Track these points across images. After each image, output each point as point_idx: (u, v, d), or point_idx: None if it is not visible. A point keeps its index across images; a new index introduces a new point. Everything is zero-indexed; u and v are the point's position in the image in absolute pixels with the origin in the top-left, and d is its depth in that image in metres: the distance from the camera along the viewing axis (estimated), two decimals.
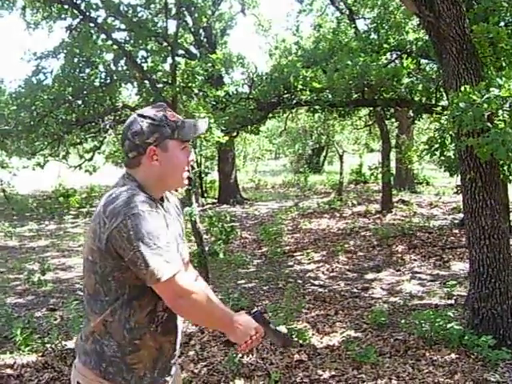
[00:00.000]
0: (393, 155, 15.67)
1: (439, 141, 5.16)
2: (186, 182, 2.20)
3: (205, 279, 6.59)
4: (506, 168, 5.41)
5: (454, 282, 7.03)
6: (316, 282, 7.89)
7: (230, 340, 2.22)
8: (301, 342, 5.21)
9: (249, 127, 10.37)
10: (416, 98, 9.14)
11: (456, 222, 11.65)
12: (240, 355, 4.81)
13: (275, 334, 2.33)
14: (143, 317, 2.05)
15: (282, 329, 2.42)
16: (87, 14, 9.18)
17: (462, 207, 5.82)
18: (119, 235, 1.91)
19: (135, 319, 2.04)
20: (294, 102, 9.64)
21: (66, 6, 9.46)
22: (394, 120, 15.40)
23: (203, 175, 18.88)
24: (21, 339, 5.16)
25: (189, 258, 2.43)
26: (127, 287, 2.02)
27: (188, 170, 2.19)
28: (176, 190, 2.34)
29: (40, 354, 5.06)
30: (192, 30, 15.72)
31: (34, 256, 10.00)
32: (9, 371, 4.73)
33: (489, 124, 4.30)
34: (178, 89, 9.07)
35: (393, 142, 15.79)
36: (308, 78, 8.95)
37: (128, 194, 1.97)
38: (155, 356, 2.12)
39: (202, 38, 16.37)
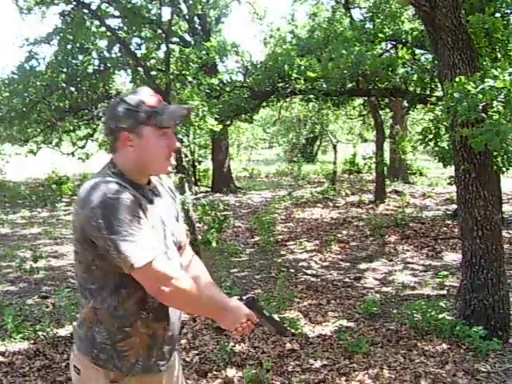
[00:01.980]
0: (386, 145, 15.66)
1: (433, 131, 5.16)
2: (170, 168, 2.14)
3: None
4: (499, 159, 5.41)
5: (446, 273, 7.06)
6: (308, 272, 7.90)
7: (220, 327, 2.18)
8: (293, 331, 5.22)
9: (243, 116, 10.35)
10: (410, 88, 9.14)
11: (449, 212, 11.69)
12: (232, 344, 4.82)
13: (269, 321, 2.27)
14: (132, 304, 2.04)
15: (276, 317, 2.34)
16: None
17: (455, 198, 5.83)
18: (90, 224, 1.90)
19: (124, 307, 2.03)
20: (289, 90, 9.61)
21: None
22: (388, 110, 15.41)
23: (196, 164, 18.85)
24: (12, 327, 5.15)
25: (186, 241, 2.41)
26: (111, 275, 2.00)
27: (177, 156, 2.17)
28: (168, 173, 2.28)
29: (31, 342, 5.05)
30: (186, 17, 15.62)
31: (26, 243, 9.96)
32: (0, 358, 4.72)
33: (483, 115, 4.29)
34: (171, 76, 9.04)
35: (387, 132, 15.78)
36: (302, 67, 8.92)
37: (98, 183, 1.95)
38: (148, 343, 2.10)
39: (196, 26, 16.26)
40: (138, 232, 1.91)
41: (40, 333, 5.13)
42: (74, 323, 2.27)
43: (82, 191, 1.96)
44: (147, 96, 2.06)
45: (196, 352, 4.84)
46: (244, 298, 2.23)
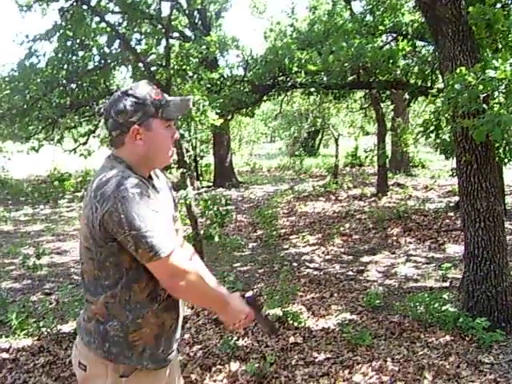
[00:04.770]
0: (388, 138, 15.64)
1: (434, 123, 5.16)
2: (171, 159, 2.22)
3: None
4: (501, 151, 5.40)
5: (449, 265, 7.05)
6: (311, 265, 7.91)
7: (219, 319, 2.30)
8: (296, 324, 5.23)
9: (244, 110, 10.33)
10: (411, 81, 9.10)
11: (451, 204, 11.67)
12: (236, 338, 4.83)
13: (264, 320, 2.40)
14: (144, 297, 2.06)
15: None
16: None
17: (457, 190, 5.82)
18: (111, 219, 1.90)
19: (136, 300, 2.05)
20: (289, 84, 9.58)
21: None
22: (389, 102, 15.37)
23: (198, 158, 18.86)
24: (16, 323, 5.16)
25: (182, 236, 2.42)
26: (124, 271, 2.02)
27: (174, 148, 2.19)
28: (166, 168, 2.33)
29: (35, 338, 5.06)
30: (186, 12, 15.58)
31: (29, 240, 9.98)
32: (4, 355, 4.74)
33: (484, 106, 4.28)
34: (172, 71, 9.03)
35: (388, 124, 15.74)
36: (303, 61, 8.88)
37: (118, 177, 1.95)
38: (156, 332, 2.12)
39: (196, 21, 16.22)
40: (157, 227, 1.93)
41: (44, 329, 5.14)
42: (78, 318, 2.24)
43: (100, 186, 1.95)
44: (152, 89, 2.10)
45: (199, 346, 4.85)
46: (246, 295, 2.28)
